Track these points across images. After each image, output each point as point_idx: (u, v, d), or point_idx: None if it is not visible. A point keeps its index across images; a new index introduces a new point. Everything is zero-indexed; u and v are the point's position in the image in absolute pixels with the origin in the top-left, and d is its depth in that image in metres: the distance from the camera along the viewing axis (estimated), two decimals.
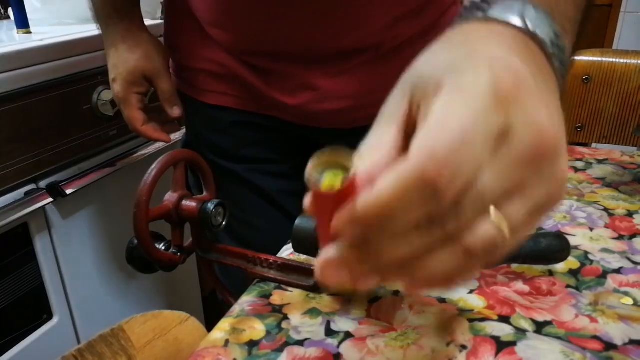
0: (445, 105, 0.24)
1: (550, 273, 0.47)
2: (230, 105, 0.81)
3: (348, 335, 0.40)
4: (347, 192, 0.24)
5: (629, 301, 0.43)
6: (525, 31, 0.30)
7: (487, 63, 0.26)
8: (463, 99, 0.24)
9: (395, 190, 0.23)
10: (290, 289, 0.46)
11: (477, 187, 0.24)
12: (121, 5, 0.81)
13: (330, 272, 0.26)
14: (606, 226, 0.55)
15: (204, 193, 0.50)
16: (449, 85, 0.25)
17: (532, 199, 0.25)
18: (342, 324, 0.42)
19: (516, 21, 0.30)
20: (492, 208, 0.24)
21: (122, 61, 0.82)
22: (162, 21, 0.96)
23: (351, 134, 0.80)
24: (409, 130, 0.27)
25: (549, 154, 0.25)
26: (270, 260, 0.46)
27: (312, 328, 0.41)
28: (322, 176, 0.25)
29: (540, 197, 0.25)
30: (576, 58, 1.00)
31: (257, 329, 0.41)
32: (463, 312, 0.42)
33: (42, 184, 0.94)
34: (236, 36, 0.74)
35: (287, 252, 0.51)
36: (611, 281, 0.46)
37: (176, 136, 1.23)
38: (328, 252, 0.25)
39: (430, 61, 0.29)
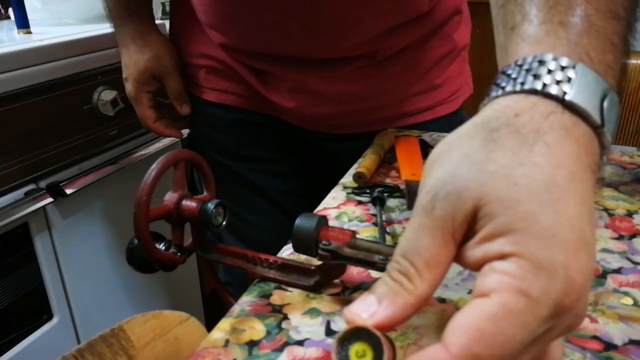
0: (507, 303, 0.23)
1: None
2: (231, 103, 0.82)
3: None
4: None
5: (629, 301, 0.43)
6: (598, 128, 0.27)
7: (563, 254, 0.23)
8: (526, 308, 0.22)
9: None
10: (290, 289, 0.46)
11: None
12: (132, 5, 0.82)
13: None
14: (606, 226, 0.55)
15: (204, 193, 0.50)
16: (522, 255, 0.23)
17: (551, 341, 0.25)
18: (342, 324, 0.42)
19: (596, 116, 0.26)
20: None
21: (133, 61, 0.83)
22: (162, 21, 0.97)
23: (348, 139, 0.80)
24: (458, 237, 0.25)
25: (572, 307, 0.24)
26: (270, 260, 0.46)
27: (312, 328, 0.41)
28: (348, 348, 0.24)
29: (557, 337, 0.25)
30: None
31: (257, 329, 0.41)
32: None
33: (42, 184, 0.94)
34: (232, 39, 0.75)
35: (287, 252, 0.51)
36: (611, 281, 0.46)
37: None
38: None
39: (494, 169, 0.25)
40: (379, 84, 0.76)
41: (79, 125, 1.00)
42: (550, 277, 0.23)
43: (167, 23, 0.92)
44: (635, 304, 0.43)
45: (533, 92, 0.27)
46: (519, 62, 0.28)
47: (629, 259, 0.49)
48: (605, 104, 0.27)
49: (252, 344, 0.40)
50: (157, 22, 0.86)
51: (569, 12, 0.29)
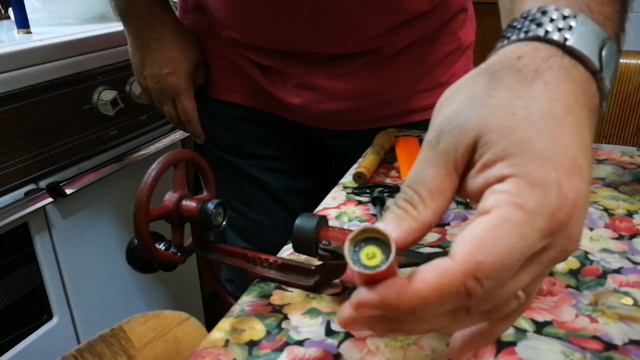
0: (506, 215, 0.24)
1: (550, 273, 0.47)
2: (237, 101, 0.82)
3: (348, 335, 0.40)
4: (385, 273, 0.25)
5: (629, 301, 0.43)
6: (596, 73, 0.28)
7: (556, 173, 0.25)
8: (523, 219, 0.24)
9: (433, 291, 0.24)
10: (290, 289, 0.46)
11: (509, 285, 0.25)
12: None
13: (352, 327, 0.27)
14: (606, 226, 0.55)
15: (204, 193, 0.50)
16: (518, 175, 0.25)
17: (549, 264, 0.26)
18: None
19: (595, 61, 0.28)
20: (519, 292, 0.26)
21: (180, 53, 0.79)
22: None
23: (353, 136, 0.80)
24: (460, 167, 0.27)
25: (572, 245, 0.26)
26: (270, 260, 0.46)
27: (312, 328, 0.41)
28: (359, 252, 0.25)
29: (554, 259, 0.26)
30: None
31: (257, 329, 0.41)
32: None
33: (42, 184, 0.94)
34: (241, 34, 0.75)
35: (287, 252, 0.51)
36: (611, 281, 0.46)
37: (176, 136, 1.24)
38: (350, 310, 0.26)
39: (495, 102, 0.27)
40: (384, 80, 0.76)
41: (79, 125, 1.00)
42: (544, 192, 0.24)
43: None
44: (636, 304, 0.43)
45: (536, 38, 0.28)
46: (524, 15, 0.30)
47: (629, 259, 0.49)
48: (604, 51, 0.29)
49: (252, 344, 0.40)
50: None
51: None
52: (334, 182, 0.65)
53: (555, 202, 0.24)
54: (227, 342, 0.40)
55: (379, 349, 0.39)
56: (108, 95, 1.02)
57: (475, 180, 0.26)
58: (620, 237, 0.53)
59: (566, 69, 0.27)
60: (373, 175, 0.66)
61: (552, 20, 0.29)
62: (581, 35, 0.28)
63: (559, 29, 0.28)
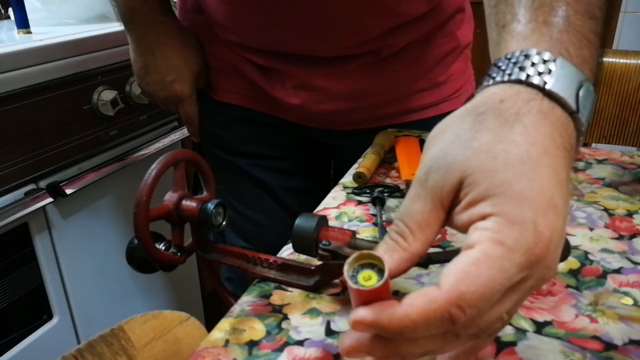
0: (487, 251, 0.27)
1: None
2: (236, 103, 0.82)
3: None
4: (379, 290, 0.27)
5: (629, 301, 0.43)
6: (574, 114, 0.30)
7: (533, 212, 0.27)
8: (503, 254, 0.26)
9: (420, 316, 0.26)
10: (290, 289, 0.46)
11: (492, 312, 0.28)
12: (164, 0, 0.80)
13: (353, 354, 0.29)
14: (606, 226, 0.55)
15: (204, 193, 0.50)
16: (498, 214, 0.27)
17: (528, 291, 0.29)
18: (342, 324, 0.42)
19: (572, 103, 0.30)
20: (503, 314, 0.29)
21: (182, 59, 0.80)
22: None
23: (352, 135, 0.80)
24: (446, 204, 0.30)
25: (550, 273, 0.29)
26: (270, 260, 0.46)
27: (312, 328, 0.41)
28: (357, 275, 0.28)
29: (533, 287, 0.29)
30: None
31: (257, 329, 0.41)
32: None
33: (42, 184, 0.94)
34: (239, 37, 0.75)
35: (287, 252, 0.51)
36: (611, 281, 0.46)
37: (176, 135, 1.24)
38: (353, 335, 0.29)
39: (478, 145, 0.29)
40: (383, 80, 0.76)
41: (79, 125, 1.00)
42: (522, 230, 0.27)
43: None
44: (635, 304, 0.43)
45: (518, 81, 0.31)
46: (508, 56, 0.32)
47: (629, 259, 0.49)
48: (581, 92, 0.31)
49: (252, 344, 0.40)
50: None
51: (552, 12, 0.33)
52: (333, 182, 0.65)
53: (532, 239, 0.27)
54: (227, 342, 0.40)
55: None
56: (108, 95, 1.02)
57: (461, 216, 0.29)
58: (620, 237, 0.53)
59: (544, 112, 0.30)
60: (373, 175, 0.66)
61: (533, 64, 0.31)
62: (560, 78, 0.30)
63: (539, 73, 0.30)
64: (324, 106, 0.76)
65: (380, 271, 0.27)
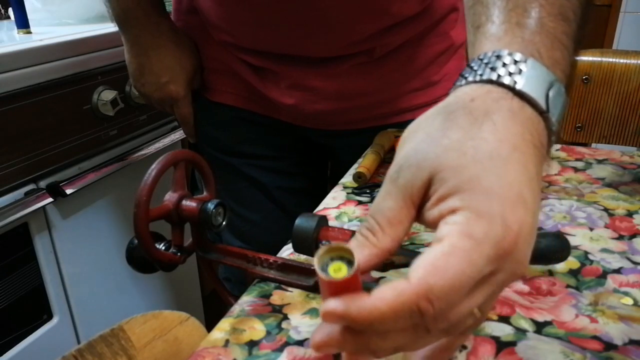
0: (456, 244, 0.27)
1: (550, 273, 0.47)
2: (231, 103, 0.82)
3: None
4: (349, 282, 0.27)
5: (629, 301, 0.43)
6: (544, 113, 0.31)
7: (501, 210, 0.27)
8: (471, 247, 0.27)
9: (389, 308, 0.26)
10: (290, 289, 0.46)
11: (462, 305, 0.28)
12: (157, 1, 0.79)
13: (324, 349, 0.29)
14: (606, 226, 0.55)
15: (204, 193, 0.50)
16: (467, 208, 0.28)
17: (499, 286, 0.29)
18: None
19: (542, 103, 0.31)
20: (475, 310, 0.29)
21: (177, 61, 0.80)
22: None
23: (346, 135, 0.80)
24: (417, 200, 0.30)
25: (521, 268, 0.29)
26: (270, 260, 0.46)
27: (312, 328, 0.41)
28: (327, 267, 0.28)
29: (504, 281, 0.29)
30: (576, 58, 0.99)
31: (257, 329, 0.41)
32: None
33: (42, 184, 0.94)
34: (233, 37, 0.75)
35: (287, 252, 0.51)
36: (611, 281, 0.46)
37: (176, 135, 1.24)
38: (324, 330, 0.29)
39: (448, 143, 0.30)
40: (376, 80, 0.76)
41: (79, 125, 1.00)
42: (490, 223, 0.27)
43: None
44: (636, 304, 0.43)
45: (489, 81, 0.31)
46: (481, 57, 0.33)
47: (629, 259, 0.49)
48: (551, 93, 0.31)
49: (252, 344, 0.40)
50: None
51: (525, 14, 0.34)
52: (330, 181, 0.65)
53: (501, 232, 0.27)
54: (227, 342, 0.40)
55: None
56: (108, 95, 1.02)
57: (431, 212, 0.29)
58: (620, 237, 0.53)
59: (514, 111, 0.30)
60: (373, 175, 0.66)
61: (504, 64, 0.31)
62: (530, 78, 0.31)
63: (510, 73, 0.31)
64: (318, 106, 0.76)
65: (350, 263, 0.28)
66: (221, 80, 0.82)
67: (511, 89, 0.30)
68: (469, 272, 0.26)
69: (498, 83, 0.31)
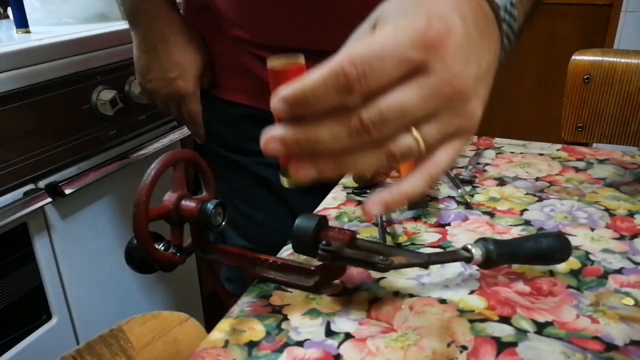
0: (377, 33, 0.32)
1: (551, 273, 0.47)
2: (241, 101, 0.82)
3: (348, 335, 0.40)
4: (293, 72, 0.32)
5: (630, 302, 0.43)
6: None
7: (426, 14, 0.31)
8: (393, 32, 0.31)
9: (316, 79, 0.30)
10: (290, 289, 0.46)
11: (396, 101, 0.30)
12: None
13: (271, 145, 0.33)
14: (607, 226, 0.55)
15: (204, 193, 0.50)
16: (392, 22, 0.32)
17: (445, 126, 0.32)
18: (342, 324, 0.41)
19: None
20: (416, 134, 0.31)
21: (186, 56, 0.79)
22: None
23: None
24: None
25: (460, 94, 0.32)
26: (270, 261, 0.46)
27: (312, 329, 0.41)
28: (278, 61, 0.33)
29: (452, 127, 0.32)
30: (577, 58, 0.99)
31: (256, 329, 0.41)
32: (463, 313, 0.42)
33: (42, 184, 0.94)
34: (248, 32, 0.75)
35: (287, 252, 0.51)
36: (612, 281, 0.46)
37: (176, 135, 1.24)
38: (273, 128, 0.32)
39: (390, 4, 0.35)
40: None
41: (78, 125, 1.00)
42: (414, 19, 0.31)
43: None
44: (637, 304, 0.43)
45: None
46: None
47: (630, 260, 0.49)
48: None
49: (252, 345, 0.40)
50: None
51: None
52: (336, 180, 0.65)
53: (424, 24, 0.30)
54: (226, 342, 0.40)
55: (379, 349, 0.38)
56: (107, 94, 1.02)
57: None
58: (621, 238, 0.53)
59: None
60: (373, 175, 0.66)
61: None
62: None
63: None
64: None
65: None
66: (232, 77, 0.81)
67: None
68: (391, 44, 0.29)
69: None
